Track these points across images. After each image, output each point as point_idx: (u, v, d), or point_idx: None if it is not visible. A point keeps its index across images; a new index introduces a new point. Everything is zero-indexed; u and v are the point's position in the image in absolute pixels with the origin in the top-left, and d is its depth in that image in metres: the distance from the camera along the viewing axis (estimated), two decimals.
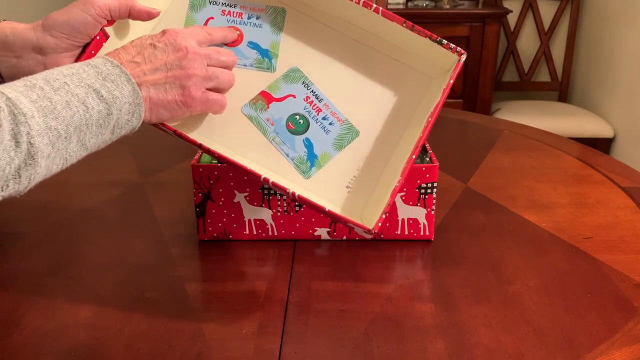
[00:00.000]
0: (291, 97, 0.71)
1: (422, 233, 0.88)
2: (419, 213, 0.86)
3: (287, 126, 0.71)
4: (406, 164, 0.66)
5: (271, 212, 0.86)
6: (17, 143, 0.51)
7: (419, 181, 0.84)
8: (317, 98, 0.71)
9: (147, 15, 0.69)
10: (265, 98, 0.72)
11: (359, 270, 0.81)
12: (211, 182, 0.84)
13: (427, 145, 0.92)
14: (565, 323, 0.70)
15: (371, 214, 0.68)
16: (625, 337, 0.68)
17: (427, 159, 0.89)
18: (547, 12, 2.88)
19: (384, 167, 0.72)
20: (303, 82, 0.71)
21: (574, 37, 2.85)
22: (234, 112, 0.72)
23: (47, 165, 0.56)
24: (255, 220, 0.86)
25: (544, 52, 2.91)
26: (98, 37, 0.66)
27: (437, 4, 2.74)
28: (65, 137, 0.56)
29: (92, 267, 0.82)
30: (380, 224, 0.64)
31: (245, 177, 0.83)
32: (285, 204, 0.85)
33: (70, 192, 1.07)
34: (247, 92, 0.72)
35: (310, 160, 0.71)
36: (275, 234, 0.87)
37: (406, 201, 0.85)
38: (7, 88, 0.53)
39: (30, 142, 0.52)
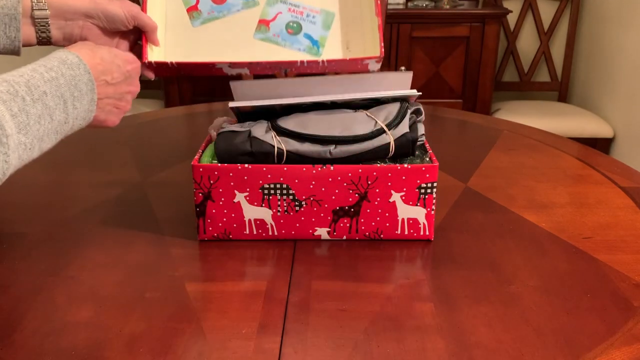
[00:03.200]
0: (279, 14, 0.95)
1: (422, 233, 0.88)
2: (418, 213, 0.86)
3: (288, 32, 0.94)
4: (375, 8, 0.91)
5: (271, 212, 0.86)
6: None
7: (419, 181, 0.84)
8: (295, 6, 0.96)
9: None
10: (264, 23, 0.95)
11: (359, 270, 0.81)
12: (211, 182, 0.84)
13: (427, 145, 0.92)
14: (565, 323, 0.70)
15: (372, 48, 0.90)
16: (625, 337, 0.68)
17: (427, 159, 0.89)
18: (547, 12, 2.88)
19: (362, 21, 0.94)
20: (281, 1, 0.96)
21: (574, 37, 2.85)
22: (250, 40, 0.94)
23: (10, 173, 0.59)
24: (255, 220, 0.86)
25: (544, 52, 2.91)
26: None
27: (437, 4, 2.74)
28: (30, 149, 0.59)
29: (92, 267, 0.82)
30: (382, 50, 0.88)
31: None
32: (285, 204, 0.85)
33: (70, 192, 1.07)
34: (251, 26, 0.95)
35: (315, 45, 0.94)
36: (275, 234, 0.87)
37: (406, 201, 0.85)
38: None
39: (5, 160, 0.55)
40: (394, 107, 0.88)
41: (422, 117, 0.91)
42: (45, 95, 0.60)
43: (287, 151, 0.84)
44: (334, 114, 0.88)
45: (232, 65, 0.87)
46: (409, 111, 0.88)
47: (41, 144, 0.60)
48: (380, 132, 0.85)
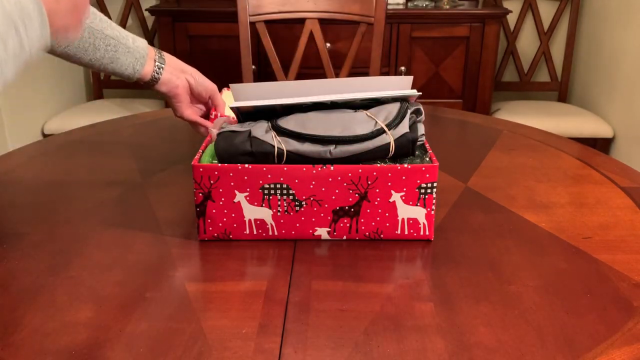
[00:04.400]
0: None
1: (422, 233, 0.88)
2: (418, 213, 0.86)
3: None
4: None
5: (271, 212, 0.86)
6: None
7: (419, 181, 0.84)
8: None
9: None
10: None
11: (359, 270, 0.81)
12: (211, 182, 0.84)
13: (427, 145, 0.92)
14: (565, 323, 0.70)
15: None
16: (625, 337, 0.68)
17: (427, 159, 0.89)
18: (546, 12, 2.89)
19: None
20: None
21: (574, 37, 2.86)
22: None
23: None
24: (255, 220, 0.86)
25: (544, 53, 2.91)
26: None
27: (437, 4, 2.74)
28: None
29: (92, 267, 0.82)
30: None
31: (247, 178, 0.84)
32: (285, 204, 0.85)
33: (70, 192, 1.07)
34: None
35: None
36: (275, 233, 0.87)
37: (406, 201, 0.85)
38: None
39: None
40: (394, 107, 0.88)
41: (422, 117, 0.91)
42: None
43: (287, 151, 0.84)
44: (334, 114, 0.88)
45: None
46: (409, 111, 0.88)
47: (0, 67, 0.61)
48: (380, 132, 0.85)
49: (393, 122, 0.86)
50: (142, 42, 1.00)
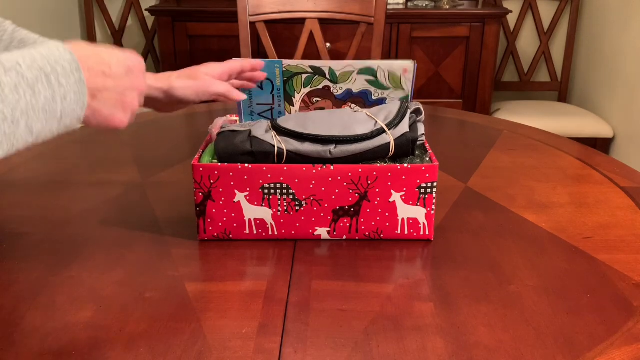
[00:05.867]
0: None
1: (422, 233, 0.88)
2: (418, 213, 0.86)
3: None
4: None
5: (271, 212, 0.86)
6: None
7: (419, 181, 0.84)
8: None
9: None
10: None
11: (359, 270, 0.81)
12: (211, 181, 0.84)
13: (427, 145, 0.92)
14: (565, 323, 0.70)
15: None
16: (625, 337, 0.68)
17: (427, 159, 0.89)
18: (546, 12, 2.89)
19: None
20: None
21: (574, 37, 2.86)
22: None
23: None
24: (255, 220, 0.86)
25: (544, 53, 2.91)
26: None
27: (437, 4, 2.74)
28: (12, 121, 0.56)
29: (92, 267, 0.82)
30: None
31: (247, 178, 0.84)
32: (285, 204, 0.85)
33: (70, 192, 1.07)
34: None
35: None
36: (275, 233, 0.87)
37: (406, 201, 0.85)
38: None
39: None
40: (394, 107, 0.88)
41: (422, 117, 0.91)
42: (20, 66, 0.57)
43: (287, 151, 0.84)
44: (335, 114, 0.88)
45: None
46: (409, 111, 0.88)
47: (28, 120, 0.57)
48: (381, 131, 0.85)
49: (393, 121, 0.86)
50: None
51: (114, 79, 0.68)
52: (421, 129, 0.88)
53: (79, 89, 0.63)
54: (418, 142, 0.87)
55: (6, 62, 0.57)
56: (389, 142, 0.84)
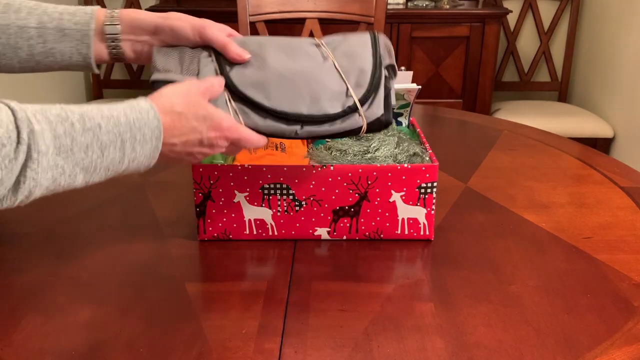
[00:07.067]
0: None
1: (422, 233, 0.88)
2: (418, 213, 0.86)
3: None
4: None
5: (271, 212, 0.86)
6: (22, 179, 0.55)
7: (419, 181, 0.84)
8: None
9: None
10: None
11: (359, 270, 0.81)
12: (211, 182, 0.84)
13: (427, 145, 0.92)
14: (565, 323, 0.70)
15: None
16: (625, 337, 0.68)
17: (427, 159, 0.89)
18: (547, 12, 2.88)
19: None
20: None
21: (574, 37, 2.85)
22: None
23: (42, 193, 0.59)
24: (255, 220, 0.86)
25: (544, 52, 2.91)
26: None
27: (437, 4, 2.74)
28: (70, 175, 0.59)
29: (92, 267, 0.82)
30: None
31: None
32: (285, 204, 0.85)
33: (70, 192, 1.06)
34: None
35: None
36: (275, 233, 0.87)
37: (406, 201, 0.85)
38: (40, 114, 0.55)
39: (33, 177, 0.55)
40: (367, 63, 0.77)
41: (395, 76, 0.81)
42: (99, 129, 0.59)
43: (245, 125, 0.72)
44: (298, 60, 0.76)
45: None
46: (384, 73, 0.78)
47: (86, 175, 0.60)
48: (353, 108, 0.75)
49: (367, 95, 0.76)
50: (85, 16, 0.75)
51: (185, 146, 0.68)
52: (394, 98, 0.79)
53: (151, 153, 0.64)
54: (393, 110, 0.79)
55: (88, 120, 0.58)
56: (362, 127, 0.77)
